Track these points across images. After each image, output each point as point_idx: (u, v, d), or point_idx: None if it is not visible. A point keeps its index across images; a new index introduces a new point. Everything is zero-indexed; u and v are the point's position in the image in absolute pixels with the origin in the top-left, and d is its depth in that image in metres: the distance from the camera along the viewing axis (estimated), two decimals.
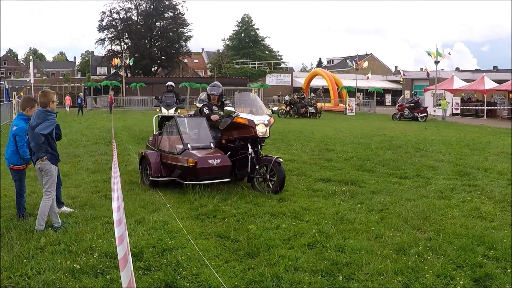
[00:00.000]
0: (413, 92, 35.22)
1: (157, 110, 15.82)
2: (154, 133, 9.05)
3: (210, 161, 7.33)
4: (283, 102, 31.46)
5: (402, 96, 32.96)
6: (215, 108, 8.48)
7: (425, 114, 28.38)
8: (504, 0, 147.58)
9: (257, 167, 7.67)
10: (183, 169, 7.45)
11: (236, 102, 8.43)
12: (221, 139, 8.07)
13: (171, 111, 14.64)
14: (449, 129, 21.46)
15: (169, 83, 16.12)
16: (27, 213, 6.08)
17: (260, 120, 7.70)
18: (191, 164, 7.20)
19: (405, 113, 28.52)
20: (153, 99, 37.67)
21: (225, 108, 7.91)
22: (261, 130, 7.63)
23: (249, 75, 52.88)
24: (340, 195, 7.52)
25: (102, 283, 4.10)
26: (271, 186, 7.61)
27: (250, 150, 7.74)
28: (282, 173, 7.55)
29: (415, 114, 28.15)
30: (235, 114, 7.78)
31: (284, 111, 29.56)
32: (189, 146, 7.59)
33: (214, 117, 8.19)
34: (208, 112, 8.32)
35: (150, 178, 7.89)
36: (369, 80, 52.09)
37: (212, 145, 7.80)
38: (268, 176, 7.64)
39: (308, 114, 29.53)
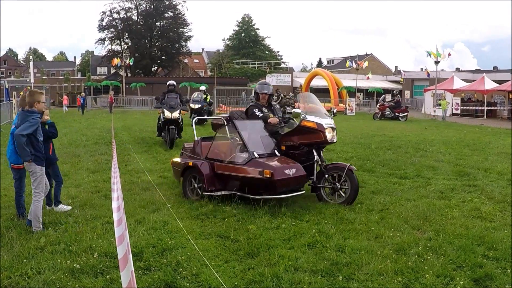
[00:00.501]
0: (394, 92, 35.36)
1: (158, 112, 14.45)
2: (195, 138, 7.80)
3: (286, 171, 6.41)
4: None
5: (383, 95, 33.27)
6: (264, 109, 7.61)
7: (406, 114, 28.73)
8: (504, 0, 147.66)
9: (326, 175, 6.95)
10: (253, 181, 6.49)
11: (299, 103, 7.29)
12: (279, 145, 7.18)
13: (175, 114, 13.35)
14: (449, 129, 21.45)
15: (171, 82, 14.58)
16: (26, 212, 6.08)
17: (328, 123, 6.98)
18: (267, 175, 6.26)
19: (386, 113, 28.87)
20: (153, 99, 37.85)
21: (293, 110, 7.18)
22: (329, 134, 6.93)
23: (249, 75, 52.83)
24: None
25: (102, 283, 4.10)
26: (343, 195, 6.90)
27: (317, 157, 6.99)
28: (356, 182, 6.86)
29: (396, 114, 28.51)
30: (302, 117, 7.00)
31: None
32: (255, 154, 6.64)
33: (273, 119, 7.39)
34: (260, 113, 7.47)
35: (203, 193, 6.87)
36: (369, 80, 52.06)
37: (277, 152, 6.99)
38: (338, 186, 6.92)
39: (286, 114, 28.89)
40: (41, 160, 5.57)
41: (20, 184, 6.14)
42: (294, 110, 7.19)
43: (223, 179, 6.88)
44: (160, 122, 14.08)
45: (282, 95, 30.83)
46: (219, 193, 6.80)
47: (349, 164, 7.01)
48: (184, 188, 7.29)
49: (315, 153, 7.01)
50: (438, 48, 34.45)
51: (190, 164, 7.14)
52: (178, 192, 7.69)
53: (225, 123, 7.40)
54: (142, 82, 43.52)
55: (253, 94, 7.79)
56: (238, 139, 7.13)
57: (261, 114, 7.46)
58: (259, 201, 6.55)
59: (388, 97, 32.68)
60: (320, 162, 7.02)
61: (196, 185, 7.09)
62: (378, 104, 31.21)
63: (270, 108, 7.74)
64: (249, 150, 6.67)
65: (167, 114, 13.34)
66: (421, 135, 17.92)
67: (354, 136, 16.93)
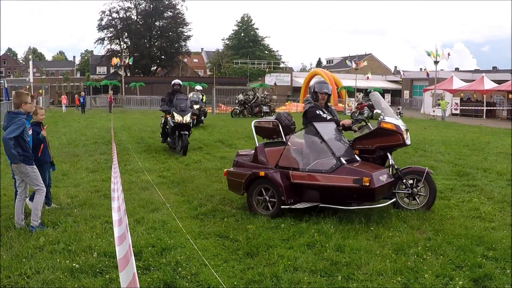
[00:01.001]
0: (368, 90, 35.46)
1: (165, 115, 12.74)
2: (257, 144, 6.87)
3: (381, 177, 5.94)
4: (237, 102, 30.32)
5: (361, 94, 33.26)
6: (324, 111, 7.07)
7: None
8: (504, 0, 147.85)
9: (403, 180, 6.57)
10: (344, 190, 5.91)
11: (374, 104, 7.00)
12: (352, 148, 6.70)
13: (187, 118, 11.80)
14: (449, 129, 21.45)
15: (176, 81, 13.14)
16: (26, 212, 6.07)
17: (403, 125, 6.58)
18: (366, 183, 5.72)
19: (365, 112, 28.72)
20: (153, 99, 37.82)
21: (375, 111, 6.66)
22: (405, 136, 6.52)
23: (249, 75, 52.85)
24: None
25: (101, 283, 4.10)
26: (424, 198, 6.52)
27: (392, 161, 6.62)
28: (434, 186, 6.51)
29: None
30: (380, 118, 6.54)
31: (238, 111, 28.75)
32: (342, 160, 6.08)
33: (346, 121, 6.99)
34: (326, 115, 6.88)
35: (282, 207, 6.13)
36: (368, 80, 52.10)
37: (357, 157, 6.47)
38: (416, 191, 6.53)
39: (262, 114, 28.11)
40: (30, 159, 5.60)
41: None
42: (375, 111, 6.69)
43: (301, 189, 6.25)
44: (167, 126, 12.42)
45: (258, 94, 30.90)
46: (300, 205, 6.13)
47: (426, 168, 6.64)
48: (250, 202, 6.43)
49: (389, 157, 6.64)
50: (438, 48, 34.46)
51: (262, 174, 6.34)
52: (178, 191, 7.70)
53: (278, 127, 6.87)
54: (141, 82, 43.45)
55: (309, 94, 7.25)
56: (290, 143, 6.61)
57: (329, 116, 6.90)
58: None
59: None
60: (395, 167, 6.65)
61: (268, 198, 6.30)
62: (357, 103, 31.26)
63: (327, 109, 7.19)
64: (335, 156, 6.11)
65: (178, 118, 11.73)
66: (420, 135, 17.91)
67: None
